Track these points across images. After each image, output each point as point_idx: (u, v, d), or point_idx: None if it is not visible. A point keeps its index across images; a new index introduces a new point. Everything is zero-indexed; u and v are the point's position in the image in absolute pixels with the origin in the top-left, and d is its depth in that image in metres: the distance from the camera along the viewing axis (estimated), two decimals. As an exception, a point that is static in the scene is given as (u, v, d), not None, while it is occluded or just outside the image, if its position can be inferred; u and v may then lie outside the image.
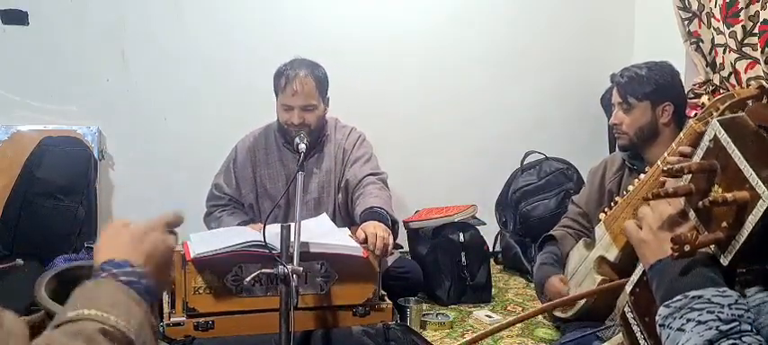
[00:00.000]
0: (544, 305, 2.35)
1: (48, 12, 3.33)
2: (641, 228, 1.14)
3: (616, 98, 2.48)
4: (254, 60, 3.45)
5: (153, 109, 3.52)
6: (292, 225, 2.05)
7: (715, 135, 1.08)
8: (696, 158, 1.12)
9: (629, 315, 1.20)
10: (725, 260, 1.02)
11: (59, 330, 0.86)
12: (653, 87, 2.40)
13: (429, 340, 2.60)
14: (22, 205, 3.19)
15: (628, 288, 1.22)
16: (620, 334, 1.29)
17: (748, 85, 2.81)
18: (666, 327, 1.01)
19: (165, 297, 2.36)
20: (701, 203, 1.03)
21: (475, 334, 2.43)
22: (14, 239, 3.15)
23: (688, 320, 0.98)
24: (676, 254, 1.02)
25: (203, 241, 2.27)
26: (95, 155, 3.39)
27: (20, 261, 3.00)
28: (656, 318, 1.04)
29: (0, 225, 3.16)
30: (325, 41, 3.54)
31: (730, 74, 2.98)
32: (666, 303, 1.02)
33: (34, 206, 3.19)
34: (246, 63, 3.54)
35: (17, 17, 3.30)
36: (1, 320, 0.77)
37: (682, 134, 2.17)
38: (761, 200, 0.96)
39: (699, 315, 0.97)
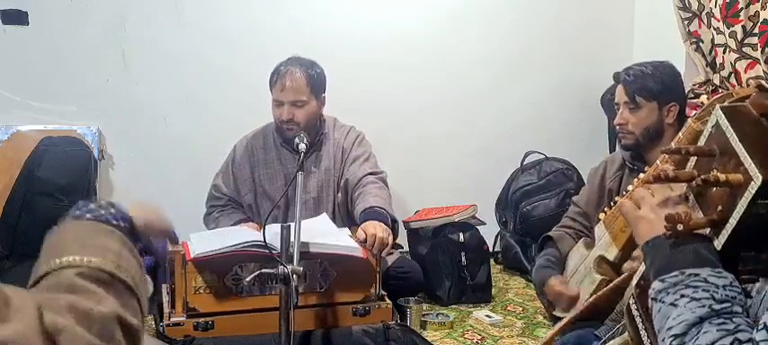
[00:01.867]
0: (561, 323, 2.29)
1: (48, 12, 3.33)
2: (640, 207, 1.15)
3: (622, 97, 2.44)
4: (255, 60, 3.44)
5: (153, 109, 3.52)
6: (292, 225, 2.05)
7: (717, 121, 1.10)
8: (699, 145, 1.13)
9: (634, 308, 1.21)
10: (718, 243, 1.04)
11: (38, 287, 0.82)
12: (660, 87, 2.39)
13: (429, 340, 2.60)
14: (22, 205, 3.18)
15: (634, 281, 1.23)
16: (625, 335, 1.29)
17: (748, 85, 2.81)
18: (659, 301, 1.03)
19: (165, 297, 2.36)
20: (694, 182, 1.05)
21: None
22: (14, 239, 3.15)
23: (682, 295, 0.99)
24: (669, 232, 1.03)
25: (203, 240, 2.27)
26: (95, 155, 3.38)
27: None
28: (650, 291, 1.05)
29: (0, 225, 3.16)
30: (326, 41, 3.53)
31: (730, 74, 2.98)
32: (662, 277, 1.03)
33: (34, 206, 3.19)
34: (247, 63, 3.54)
35: (17, 17, 3.30)
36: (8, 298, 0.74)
37: (681, 133, 2.17)
38: (752, 182, 0.98)
39: (693, 292, 0.98)
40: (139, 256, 0.92)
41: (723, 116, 1.08)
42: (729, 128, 1.06)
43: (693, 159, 1.15)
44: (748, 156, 1.00)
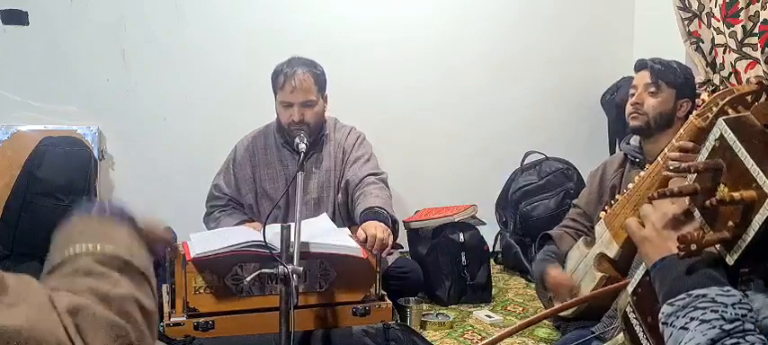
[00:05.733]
0: (551, 308, 2.32)
1: (48, 12, 3.33)
2: (644, 226, 1.13)
3: (645, 79, 2.49)
4: (254, 60, 3.44)
5: (153, 109, 3.52)
6: (292, 225, 2.05)
7: (721, 134, 1.08)
8: (701, 157, 1.11)
9: (631, 316, 1.20)
10: (731, 260, 1.02)
11: (55, 275, 0.84)
12: (682, 80, 2.48)
13: (429, 340, 2.59)
14: (22, 205, 3.18)
15: (629, 289, 1.21)
16: (621, 335, 1.28)
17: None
18: (669, 325, 1.01)
19: (165, 297, 2.36)
20: (708, 202, 1.02)
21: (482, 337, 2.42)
22: (14, 239, 3.15)
23: (691, 318, 0.98)
24: (683, 253, 1.01)
25: (203, 241, 2.27)
26: (95, 155, 3.38)
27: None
28: (659, 316, 1.03)
29: (0, 224, 3.16)
30: (326, 41, 3.54)
31: (730, 74, 2.99)
32: (670, 301, 1.02)
33: (34, 206, 3.19)
34: (246, 63, 3.54)
35: (17, 17, 3.30)
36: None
37: (682, 129, 2.17)
38: (767, 200, 0.96)
39: (702, 314, 0.97)
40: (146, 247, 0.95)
41: (728, 129, 1.06)
42: (736, 141, 1.04)
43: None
44: (761, 173, 0.98)
